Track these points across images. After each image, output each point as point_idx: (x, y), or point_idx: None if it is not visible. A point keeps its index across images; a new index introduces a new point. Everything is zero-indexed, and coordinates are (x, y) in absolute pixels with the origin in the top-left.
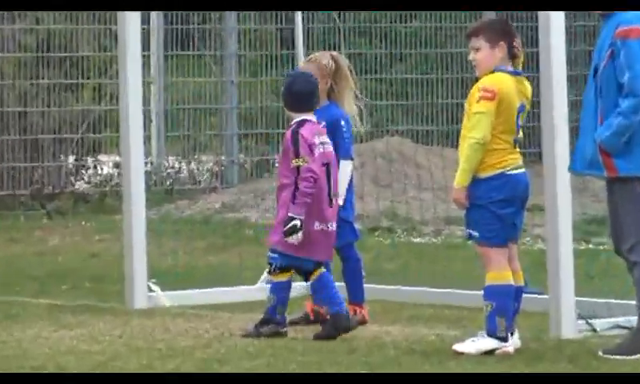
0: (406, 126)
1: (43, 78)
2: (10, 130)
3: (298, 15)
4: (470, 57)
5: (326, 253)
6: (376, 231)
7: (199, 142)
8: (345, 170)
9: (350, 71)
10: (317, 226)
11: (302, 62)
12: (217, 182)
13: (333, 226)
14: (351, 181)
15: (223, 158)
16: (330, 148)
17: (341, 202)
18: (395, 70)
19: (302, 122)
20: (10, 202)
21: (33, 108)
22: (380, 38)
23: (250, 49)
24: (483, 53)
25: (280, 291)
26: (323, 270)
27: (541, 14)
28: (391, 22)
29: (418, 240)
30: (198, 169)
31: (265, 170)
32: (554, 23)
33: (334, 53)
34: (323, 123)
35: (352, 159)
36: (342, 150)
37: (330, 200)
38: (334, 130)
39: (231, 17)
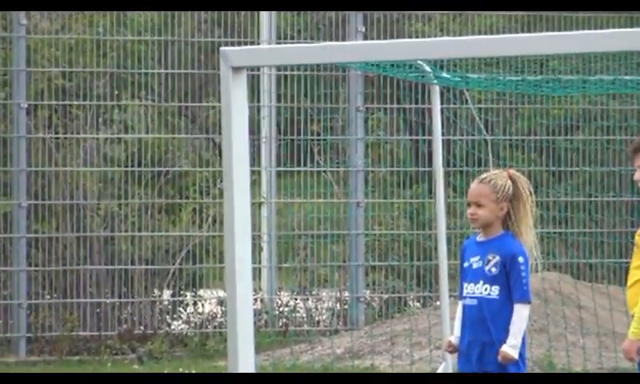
0: (565, 259)
1: (133, 197)
2: (94, 259)
3: (437, 125)
4: (636, 177)
5: None
6: None
7: (318, 274)
8: (521, 316)
9: (530, 194)
10: None
11: (474, 183)
12: (339, 322)
13: None
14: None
15: (347, 294)
16: None
17: (515, 355)
18: (555, 192)
19: None
20: (94, 344)
21: (121, 232)
22: (539, 153)
23: (379, 164)
24: None
25: None
26: None
27: None
28: (549, 134)
29: None
30: (316, 307)
31: (396, 309)
32: None
33: (512, 171)
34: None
35: (529, 303)
36: (518, 292)
37: None
38: (509, 268)
39: (357, 126)
